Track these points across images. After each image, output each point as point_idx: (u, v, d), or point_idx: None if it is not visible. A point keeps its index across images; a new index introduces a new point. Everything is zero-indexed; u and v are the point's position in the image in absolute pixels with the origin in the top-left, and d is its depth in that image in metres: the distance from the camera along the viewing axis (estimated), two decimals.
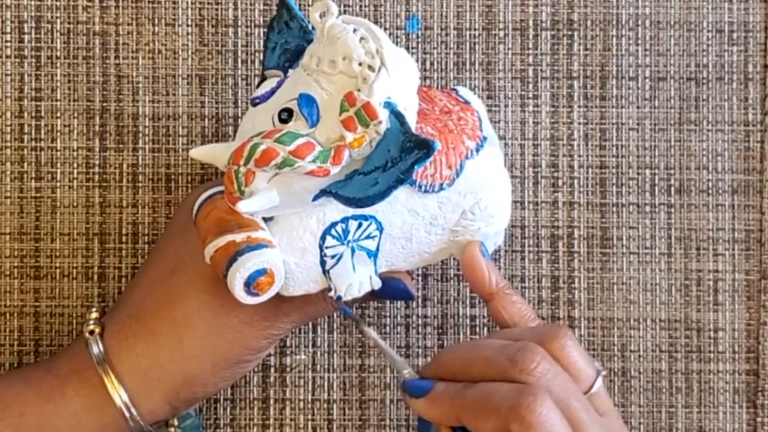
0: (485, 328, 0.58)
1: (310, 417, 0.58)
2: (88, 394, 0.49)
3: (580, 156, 0.58)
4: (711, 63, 0.59)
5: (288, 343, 0.58)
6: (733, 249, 0.58)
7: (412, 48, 0.58)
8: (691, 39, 0.59)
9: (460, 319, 0.58)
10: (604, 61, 0.58)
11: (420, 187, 0.47)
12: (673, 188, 0.58)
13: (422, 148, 0.42)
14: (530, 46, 0.58)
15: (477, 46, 0.58)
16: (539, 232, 0.58)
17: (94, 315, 0.51)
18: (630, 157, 0.58)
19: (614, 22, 0.58)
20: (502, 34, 0.58)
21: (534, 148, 0.58)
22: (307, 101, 0.44)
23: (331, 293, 0.48)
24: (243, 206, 0.44)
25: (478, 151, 0.48)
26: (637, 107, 0.58)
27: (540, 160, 0.58)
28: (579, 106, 0.58)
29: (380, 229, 0.47)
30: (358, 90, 0.43)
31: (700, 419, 0.58)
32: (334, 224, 0.47)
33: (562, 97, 0.58)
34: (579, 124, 0.58)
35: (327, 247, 0.47)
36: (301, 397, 0.58)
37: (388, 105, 0.43)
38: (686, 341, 0.58)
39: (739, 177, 0.58)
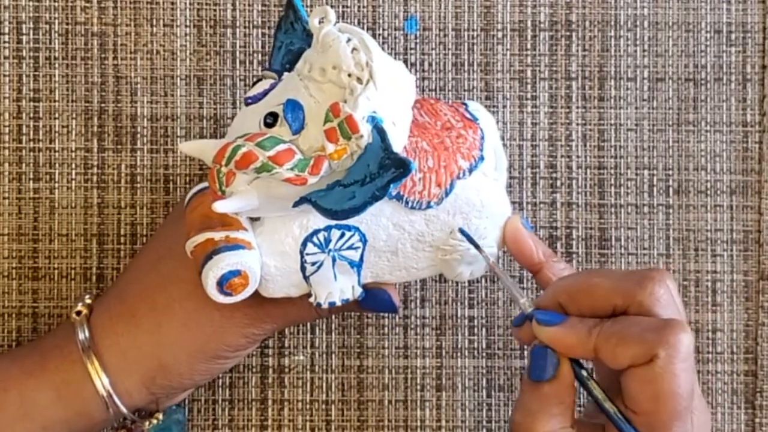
0: (484, 329, 0.58)
1: (308, 418, 0.58)
2: (68, 369, 0.49)
3: (578, 157, 0.58)
4: (709, 64, 0.59)
5: (286, 344, 0.58)
6: (732, 250, 0.58)
7: (411, 49, 0.58)
8: (690, 40, 0.59)
9: (459, 320, 0.58)
10: (602, 61, 0.58)
11: (407, 203, 0.46)
12: (671, 189, 0.58)
13: (399, 167, 0.42)
14: (528, 46, 0.58)
15: (475, 46, 0.58)
16: (537, 232, 0.58)
17: (87, 300, 0.52)
18: (628, 158, 0.58)
19: (612, 23, 0.58)
20: (500, 35, 0.58)
21: (532, 148, 0.58)
22: (292, 107, 0.44)
23: (312, 299, 0.48)
24: (219, 206, 0.43)
25: (471, 171, 0.47)
26: (636, 108, 0.58)
27: (538, 161, 0.58)
28: (577, 107, 0.58)
29: (363, 240, 0.47)
30: (345, 101, 0.43)
31: None
32: (316, 232, 0.46)
33: (560, 98, 0.58)
34: (577, 124, 0.58)
35: (307, 254, 0.46)
36: (300, 397, 0.58)
37: (372, 120, 0.43)
38: None
39: (738, 178, 0.58)
